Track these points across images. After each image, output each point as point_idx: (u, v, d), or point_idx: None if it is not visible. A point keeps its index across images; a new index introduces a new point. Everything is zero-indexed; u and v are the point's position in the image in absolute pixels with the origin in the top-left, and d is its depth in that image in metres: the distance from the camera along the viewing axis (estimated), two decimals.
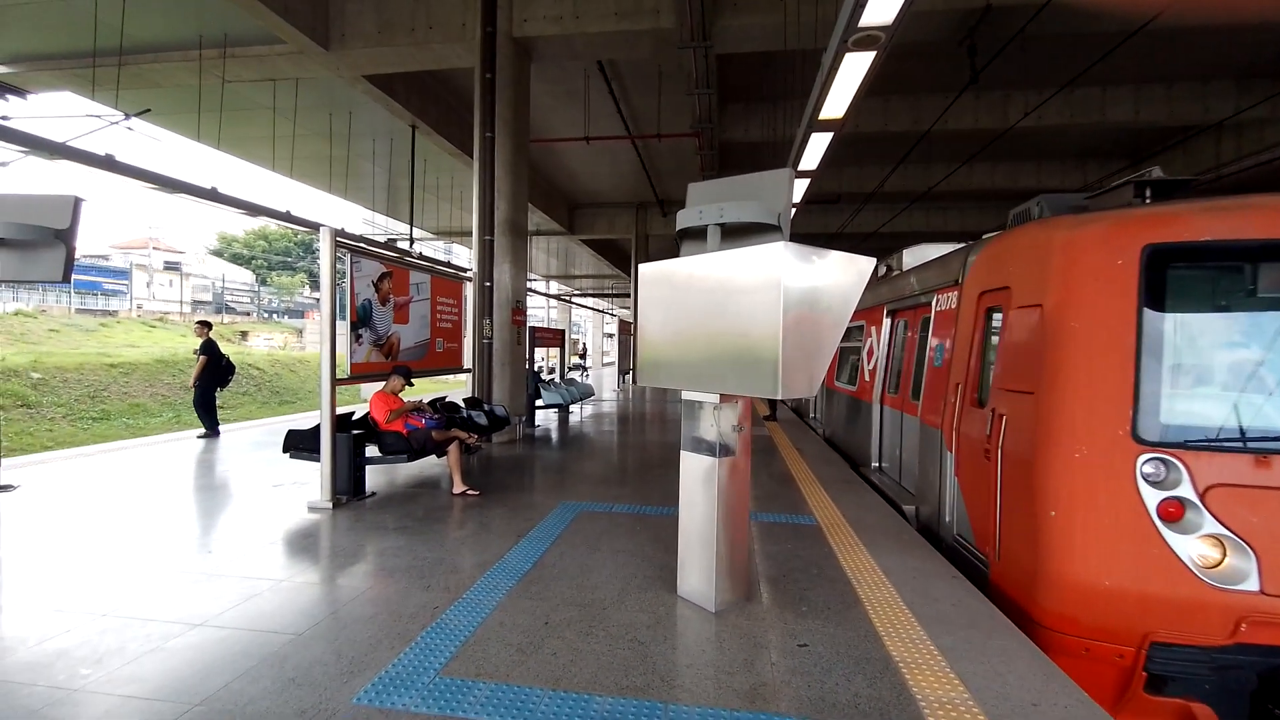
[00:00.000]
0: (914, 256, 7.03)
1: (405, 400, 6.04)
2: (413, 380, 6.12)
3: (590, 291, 36.71)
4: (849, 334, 8.70)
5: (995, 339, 4.11)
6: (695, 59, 8.56)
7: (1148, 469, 2.98)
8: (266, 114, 12.40)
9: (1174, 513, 2.94)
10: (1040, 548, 3.20)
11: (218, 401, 9.31)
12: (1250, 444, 2.96)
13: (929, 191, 14.89)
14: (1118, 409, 3.06)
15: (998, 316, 4.09)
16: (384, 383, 6.01)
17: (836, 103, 5.96)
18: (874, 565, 3.95)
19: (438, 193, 18.58)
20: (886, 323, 6.98)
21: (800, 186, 8.62)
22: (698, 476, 3.42)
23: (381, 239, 15.98)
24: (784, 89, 11.31)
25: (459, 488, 5.64)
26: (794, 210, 13.94)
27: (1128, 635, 2.97)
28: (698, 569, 3.38)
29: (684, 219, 3.67)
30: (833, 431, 9.49)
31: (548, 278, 35.12)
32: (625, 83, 11.60)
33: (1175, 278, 3.16)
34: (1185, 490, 2.94)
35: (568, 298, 33.58)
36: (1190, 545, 2.91)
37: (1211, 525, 2.90)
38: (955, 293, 4.81)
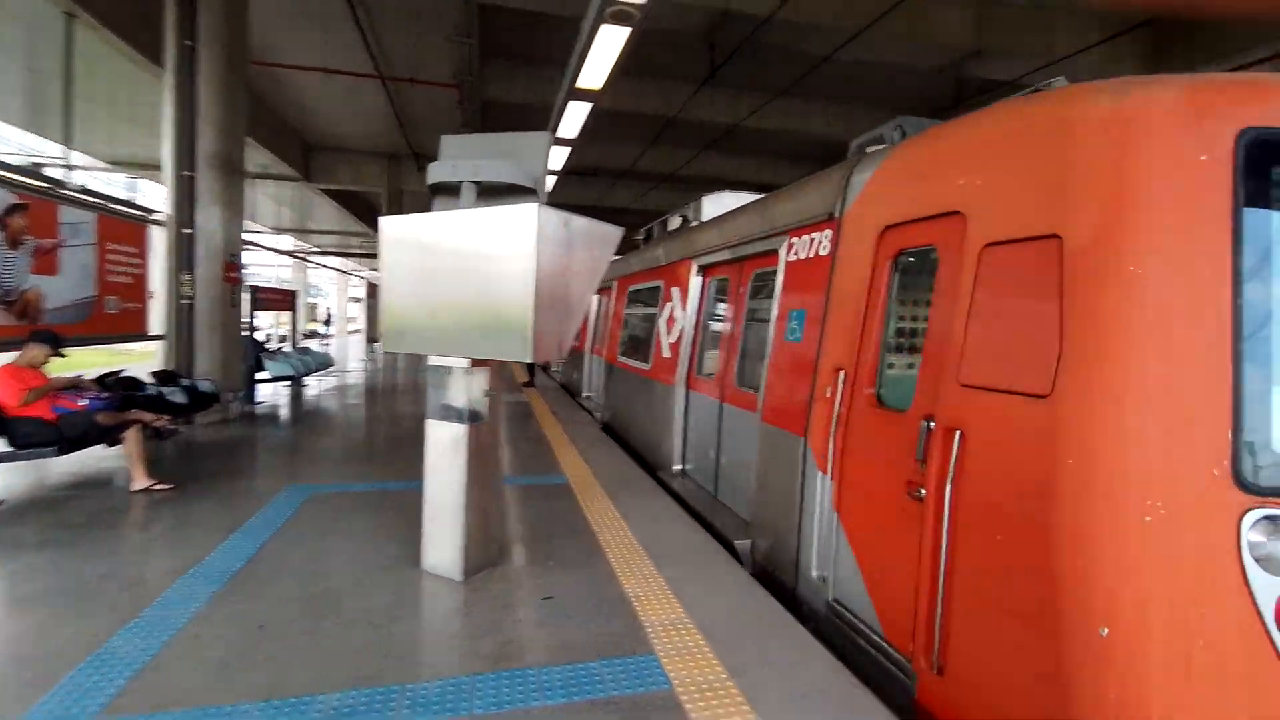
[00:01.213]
0: (715, 205, 5.96)
1: (51, 376, 4.61)
2: (63, 350, 4.70)
3: (333, 250, 32.34)
4: (639, 297, 7.42)
5: (898, 300, 2.90)
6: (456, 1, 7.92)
7: (1255, 536, 1.71)
8: None
9: None
10: (1074, 696, 1.77)
11: None
12: None
13: (673, 174, 16.31)
14: (1209, 429, 1.74)
15: (911, 262, 2.84)
16: (17, 354, 4.50)
17: (594, 74, 6.11)
18: (616, 515, 4.28)
19: (112, 109, 14.31)
20: (696, 282, 5.45)
21: (560, 155, 8.71)
22: (445, 445, 3.29)
23: (20, 162, 11.77)
24: (549, 53, 11.19)
25: (141, 482, 4.53)
26: (554, 179, 14.06)
27: None
28: (445, 540, 3.26)
29: (436, 173, 3.44)
30: (615, 417, 7.82)
31: (278, 230, 30.00)
32: (373, 15, 10.25)
33: None
34: None
35: (304, 255, 29.19)
36: None
37: None
38: (826, 232, 3.42)
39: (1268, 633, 1.67)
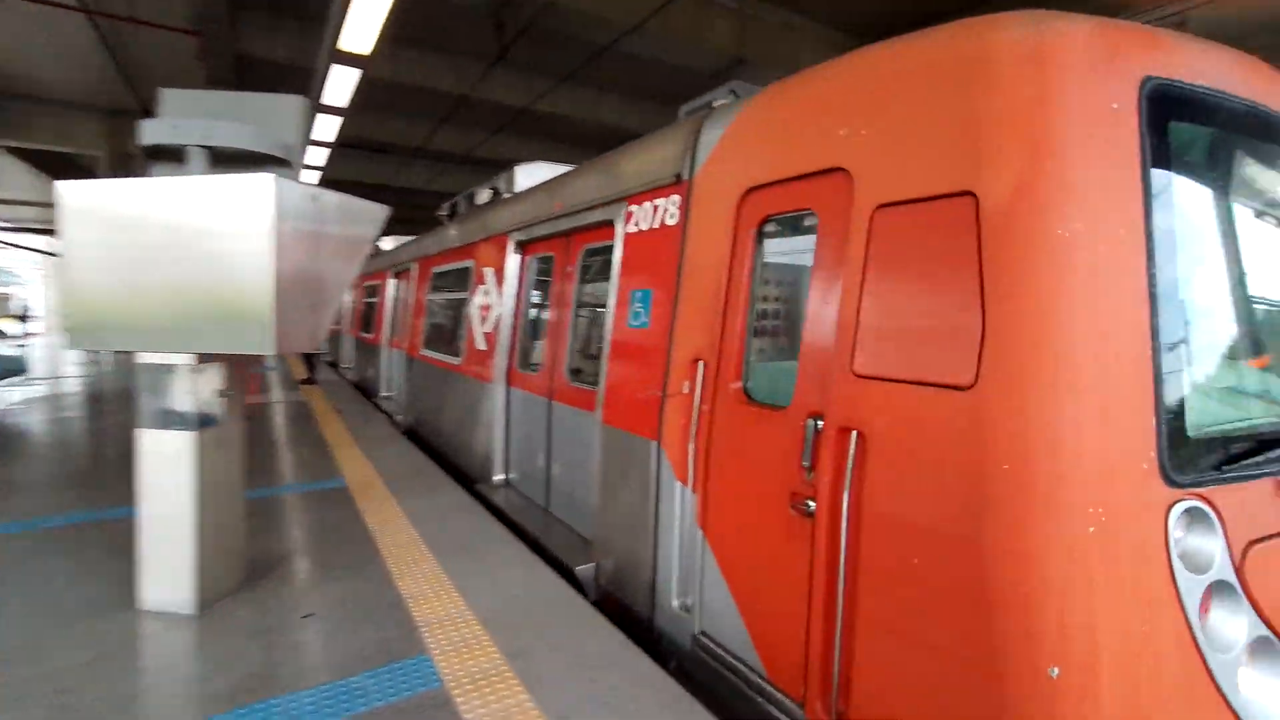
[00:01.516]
0: (529, 176, 5.36)
1: None
2: None
3: (34, 226, 25.41)
4: (445, 281, 6.57)
5: (767, 276, 2.54)
6: None
7: (1178, 533, 1.56)
8: None
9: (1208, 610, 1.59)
10: None
11: None
12: None
13: (468, 155, 15.71)
14: (1138, 417, 1.56)
15: (782, 229, 2.47)
16: None
17: (359, 36, 5.53)
18: (401, 514, 4.01)
19: None
20: (514, 261, 4.75)
21: (331, 125, 7.81)
22: (166, 457, 2.77)
23: None
24: (320, 9, 9.93)
25: None
26: (327, 151, 12.58)
27: None
28: (170, 569, 2.75)
29: (152, 132, 2.83)
30: (421, 421, 6.93)
31: None
32: None
33: (1188, 146, 1.79)
34: (1223, 566, 1.59)
35: None
36: (1234, 676, 1.56)
37: (1256, 627, 1.60)
38: (673, 197, 2.95)
39: (1196, 642, 1.50)
